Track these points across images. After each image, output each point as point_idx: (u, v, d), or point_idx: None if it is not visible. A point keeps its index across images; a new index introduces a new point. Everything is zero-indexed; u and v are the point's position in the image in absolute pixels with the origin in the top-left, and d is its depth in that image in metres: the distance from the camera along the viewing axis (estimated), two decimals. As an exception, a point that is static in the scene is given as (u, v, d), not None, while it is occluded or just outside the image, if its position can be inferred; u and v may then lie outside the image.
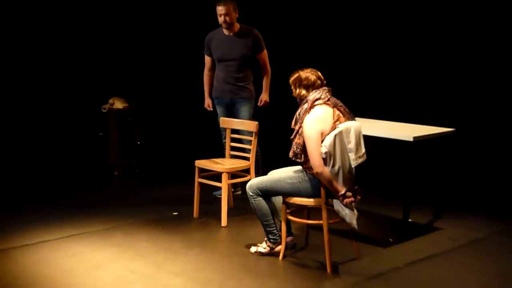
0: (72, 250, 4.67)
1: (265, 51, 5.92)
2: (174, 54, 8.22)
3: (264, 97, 6.05)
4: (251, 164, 5.45)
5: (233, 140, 5.69)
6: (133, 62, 7.85)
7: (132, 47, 7.83)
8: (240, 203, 5.70)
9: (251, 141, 5.44)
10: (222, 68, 5.91)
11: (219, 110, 6.05)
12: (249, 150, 5.47)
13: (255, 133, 5.40)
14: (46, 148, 7.17)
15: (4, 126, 6.88)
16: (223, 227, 5.24)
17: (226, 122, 5.73)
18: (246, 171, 5.48)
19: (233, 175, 5.51)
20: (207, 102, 6.14)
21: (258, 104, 6.07)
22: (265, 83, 6.00)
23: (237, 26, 5.83)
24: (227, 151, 5.71)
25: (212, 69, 6.05)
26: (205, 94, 6.14)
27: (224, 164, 5.40)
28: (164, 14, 8.08)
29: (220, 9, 5.69)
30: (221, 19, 5.73)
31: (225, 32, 5.84)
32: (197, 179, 5.51)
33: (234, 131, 5.68)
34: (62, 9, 7.21)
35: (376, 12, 7.43)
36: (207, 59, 6.05)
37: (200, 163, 5.49)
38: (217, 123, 5.97)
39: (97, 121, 7.37)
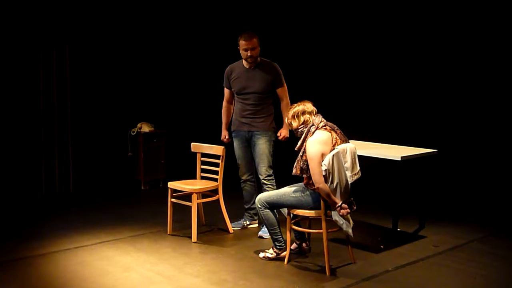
0: (105, 254, 4.68)
1: (285, 85, 5.13)
2: (194, 86, 8.26)
3: (284, 132, 5.17)
4: (219, 184, 5.17)
5: (203, 163, 5.37)
6: (158, 92, 7.91)
7: (157, 80, 7.90)
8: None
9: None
10: (240, 101, 5.16)
11: (236, 143, 5.26)
12: (218, 172, 5.18)
13: (222, 156, 5.12)
14: (85, 165, 7.21)
15: (50, 144, 6.97)
16: (194, 242, 4.99)
17: (196, 147, 5.40)
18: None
19: (203, 195, 5.24)
20: (224, 134, 5.39)
21: (278, 137, 5.21)
22: (285, 117, 4.94)
23: (258, 59, 5.10)
24: (198, 173, 5.40)
25: (231, 101, 5.32)
26: (222, 126, 5.39)
27: (194, 185, 5.16)
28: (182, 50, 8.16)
29: (246, 44, 4.92)
30: (245, 54, 4.96)
31: (245, 64, 5.08)
32: (170, 199, 5.24)
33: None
34: (105, 42, 7.32)
35: (364, 45, 7.46)
36: (226, 92, 5.29)
37: (173, 185, 5.20)
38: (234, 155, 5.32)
39: (127, 143, 7.43)
